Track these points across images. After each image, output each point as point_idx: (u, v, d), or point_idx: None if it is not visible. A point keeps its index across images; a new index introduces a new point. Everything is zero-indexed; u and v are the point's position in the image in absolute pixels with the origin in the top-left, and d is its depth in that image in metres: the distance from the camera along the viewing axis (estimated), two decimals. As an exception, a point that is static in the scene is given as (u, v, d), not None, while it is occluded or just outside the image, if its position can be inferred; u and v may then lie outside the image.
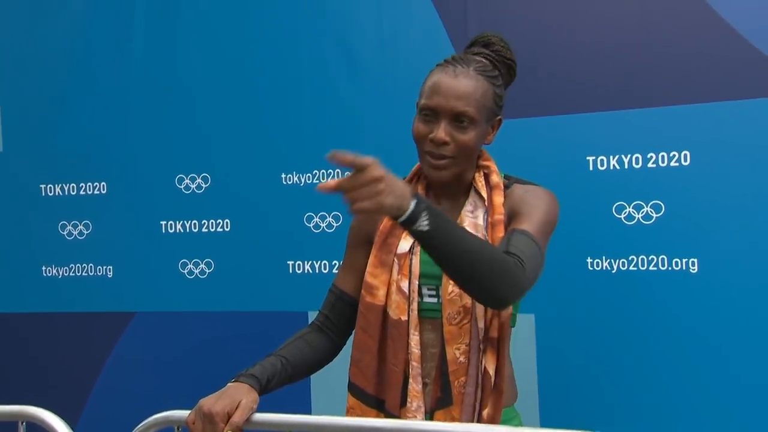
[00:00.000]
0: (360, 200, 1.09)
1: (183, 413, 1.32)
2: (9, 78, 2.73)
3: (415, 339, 1.38)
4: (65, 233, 2.71)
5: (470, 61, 1.42)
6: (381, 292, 1.42)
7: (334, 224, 2.43)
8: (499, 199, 1.40)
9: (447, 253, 1.18)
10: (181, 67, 2.57)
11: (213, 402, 1.25)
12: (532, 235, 1.30)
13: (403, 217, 1.13)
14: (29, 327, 2.72)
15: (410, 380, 1.38)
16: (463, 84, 1.37)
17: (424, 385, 1.40)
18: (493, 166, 1.47)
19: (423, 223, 1.14)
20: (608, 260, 2.16)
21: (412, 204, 1.13)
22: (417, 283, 1.41)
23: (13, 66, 2.73)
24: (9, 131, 2.74)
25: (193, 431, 1.26)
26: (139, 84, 2.61)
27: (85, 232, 2.69)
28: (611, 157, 2.17)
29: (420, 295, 1.42)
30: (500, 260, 1.21)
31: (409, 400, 1.38)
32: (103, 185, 2.66)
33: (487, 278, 1.19)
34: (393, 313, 1.41)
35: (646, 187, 2.13)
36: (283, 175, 2.48)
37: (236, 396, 1.27)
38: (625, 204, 2.15)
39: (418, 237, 1.17)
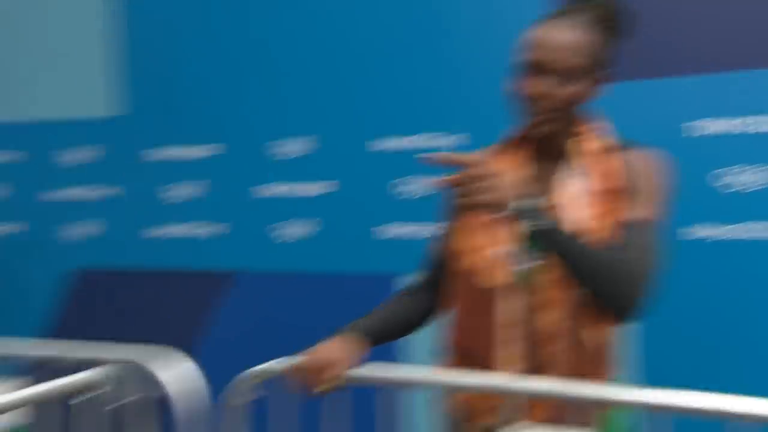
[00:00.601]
0: (474, 194, 1.16)
1: (281, 365, 1.36)
2: (137, 44, 2.83)
3: (509, 304, 1.37)
4: (177, 194, 2.80)
5: (573, 14, 1.38)
6: (480, 256, 1.41)
7: (421, 190, 2.46)
8: (602, 166, 1.37)
9: (560, 255, 1.21)
10: (296, 32, 2.61)
11: (315, 354, 1.28)
12: (650, 225, 1.29)
13: (513, 213, 1.19)
14: (130, 284, 2.86)
15: (501, 346, 1.37)
16: (564, 37, 1.33)
17: (517, 352, 1.39)
18: (598, 129, 1.43)
19: (535, 223, 1.19)
20: (704, 229, 2.10)
21: (522, 202, 1.19)
22: (515, 247, 1.39)
23: (142, 32, 2.83)
24: (135, 94, 2.83)
25: (295, 383, 1.29)
26: (254, 48, 2.67)
27: (195, 193, 2.77)
28: (709, 121, 2.09)
29: (518, 259, 1.40)
30: (620, 269, 1.22)
31: (501, 366, 1.37)
32: (217, 147, 2.74)
33: (604, 288, 1.22)
34: (490, 278, 1.40)
35: (746, 153, 2.05)
36: (371, 142, 2.52)
37: (338, 349, 1.30)
38: (723, 170, 2.08)
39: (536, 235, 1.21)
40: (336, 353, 1.30)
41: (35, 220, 2.94)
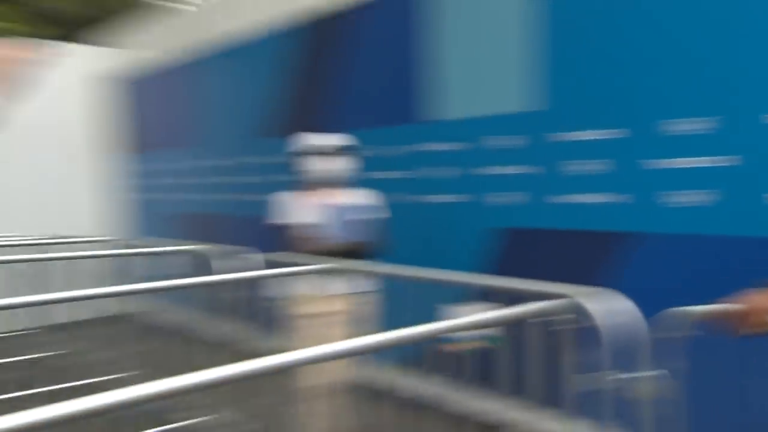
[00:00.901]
0: None
1: (711, 307, 1.50)
2: (555, 57, 3.19)
3: None
4: (591, 168, 3.14)
5: None
6: None
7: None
8: None
9: None
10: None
11: (746, 301, 1.40)
12: None
13: None
14: (549, 241, 3.25)
15: None
16: None
17: None
18: None
19: None
20: None
21: None
22: None
23: (557, 48, 3.18)
24: (552, 93, 3.21)
25: (723, 325, 1.43)
26: (656, 45, 2.83)
27: (608, 167, 3.10)
28: None
29: None
30: None
31: None
32: (622, 131, 2.96)
33: None
34: None
35: None
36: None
37: (768, 298, 1.40)
38: None
39: None
40: (766, 301, 1.41)
41: (475, 192, 3.57)
